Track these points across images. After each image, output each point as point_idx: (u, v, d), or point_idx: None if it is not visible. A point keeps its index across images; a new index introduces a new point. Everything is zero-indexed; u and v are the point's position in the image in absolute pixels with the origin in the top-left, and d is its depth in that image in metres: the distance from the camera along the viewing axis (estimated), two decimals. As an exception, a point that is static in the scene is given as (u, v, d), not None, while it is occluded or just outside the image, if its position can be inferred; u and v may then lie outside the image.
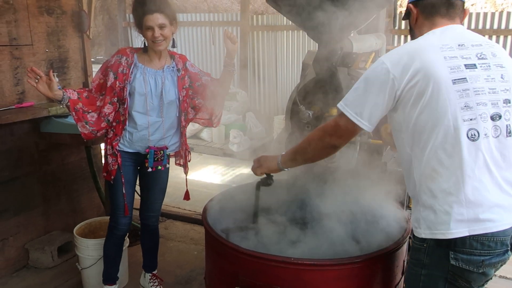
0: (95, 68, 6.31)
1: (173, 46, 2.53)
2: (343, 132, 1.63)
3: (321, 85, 2.43)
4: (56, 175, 3.50)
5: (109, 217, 3.18)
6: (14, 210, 3.19)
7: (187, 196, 3.08)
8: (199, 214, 3.76)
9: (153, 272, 3.02)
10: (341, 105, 1.61)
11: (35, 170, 3.33)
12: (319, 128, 1.74)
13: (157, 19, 2.34)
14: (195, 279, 3.12)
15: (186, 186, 3.06)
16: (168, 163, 2.77)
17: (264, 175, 2.04)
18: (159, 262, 3.36)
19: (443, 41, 1.51)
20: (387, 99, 1.50)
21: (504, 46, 5.26)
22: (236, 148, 6.24)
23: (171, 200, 4.68)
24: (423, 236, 1.52)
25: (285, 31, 6.72)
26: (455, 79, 1.44)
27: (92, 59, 6.49)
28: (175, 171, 5.66)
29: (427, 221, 1.50)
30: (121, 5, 8.00)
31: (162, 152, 2.63)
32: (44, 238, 3.37)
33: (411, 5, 1.64)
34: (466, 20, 5.30)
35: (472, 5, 6.28)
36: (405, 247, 1.97)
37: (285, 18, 6.67)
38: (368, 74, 1.57)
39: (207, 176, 5.58)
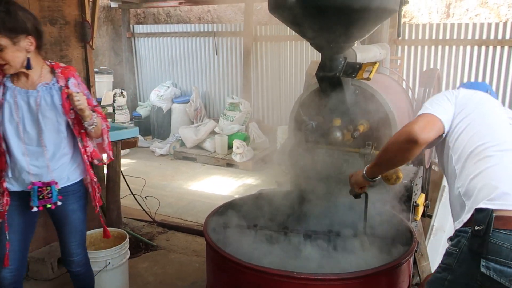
0: (98, 78, 6.34)
1: (28, 67, 2.07)
2: (425, 123, 1.64)
3: (325, 95, 2.40)
4: (57, 185, 3.47)
5: (111, 228, 3.16)
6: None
7: (106, 235, 2.60)
8: (201, 225, 3.72)
9: None
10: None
11: (36, 180, 3.30)
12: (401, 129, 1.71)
13: None
14: (196, 292, 3.08)
15: (103, 222, 2.58)
16: (64, 199, 2.25)
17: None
18: (160, 274, 3.33)
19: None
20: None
21: (509, 57, 5.22)
22: (239, 158, 6.21)
23: (173, 211, 4.66)
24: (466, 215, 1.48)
25: (288, 42, 6.71)
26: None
27: (95, 70, 6.52)
28: (177, 182, 5.69)
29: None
30: (125, 16, 8.03)
31: (49, 188, 2.17)
32: (44, 249, 3.33)
33: None
34: (470, 31, 5.31)
35: (476, 15, 6.27)
36: (411, 261, 1.93)
37: (288, 28, 6.67)
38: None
39: (210, 186, 5.54)
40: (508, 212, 1.39)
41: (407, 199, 2.43)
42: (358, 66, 2.18)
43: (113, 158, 2.57)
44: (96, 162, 2.35)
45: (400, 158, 1.70)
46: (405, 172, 2.17)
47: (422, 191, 2.83)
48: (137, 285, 3.16)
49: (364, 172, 1.89)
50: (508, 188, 1.44)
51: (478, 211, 1.43)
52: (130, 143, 3.39)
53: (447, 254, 1.53)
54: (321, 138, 2.44)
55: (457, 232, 1.51)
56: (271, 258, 2.05)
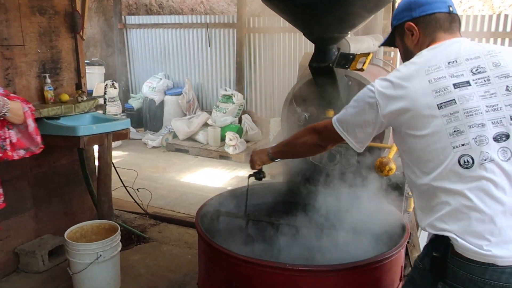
0: (90, 70, 6.28)
1: None
2: (330, 138, 1.66)
3: (318, 86, 2.39)
4: (48, 177, 3.44)
5: (102, 221, 3.14)
6: (4, 214, 3.11)
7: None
8: (193, 217, 3.71)
9: None
10: (333, 121, 1.61)
11: (26, 172, 3.27)
12: (310, 126, 1.80)
13: None
14: (189, 284, 3.06)
15: None
16: None
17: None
18: (152, 266, 3.31)
19: (430, 62, 1.40)
20: (371, 121, 1.48)
21: (501, 49, 5.23)
22: (232, 150, 6.19)
23: (165, 203, 4.64)
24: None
25: (281, 33, 6.67)
26: (441, 103, 1.33)
27: (87, 61, 6.44)
28: (169, 174, 5.66)
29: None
30: (116, 7, 7.94)
31: None
32: (35, 242, 3.30)
33: (412, 24, 1.51)
34: (463, 23, 5.30)
35: (469, 7, 6.26)
36: (403, 252, 1.93)
37: (282, 20, 6.64)
38: (358, 95, 1.54)
39: (202, 178, 5.53)
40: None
41: (399, 190, 2.43)
42: (351, 56, 2.16)
43: (43, 146, 2.51)
44: (22, 153, 2.26)
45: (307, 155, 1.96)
46: (397, 163, 2.16)
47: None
48: (129, 277, 3.14)
49: (270, 153, 2.00)
50: None
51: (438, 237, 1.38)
52: (121, 135, 3.36)
53: (414, 267, 1.50)
54: (314, 129, 2.42)
55: (426, 246, 1.46)
56: (264, 250, 2.04)
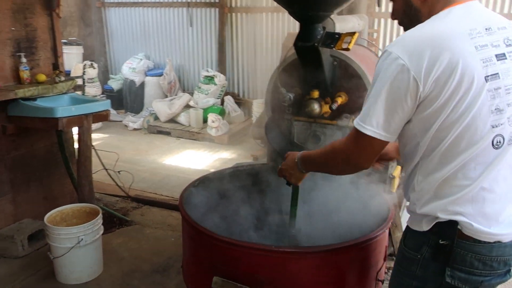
0: (67, 50, 6.09)
1: None
2: (370, 153, 1.34)
3: (302, 66, 2.35)
4: (26, 160, 3.34)
5: (83, 204, 3.08)
6: (-19, 198, 3.04)
7: None
8: (176, 199, 3.67)
9: None
10: (357, 123, 1.30)
11: (2, 155, 3.17)
12: (339, 149, 1.41)
13: None
14: (172, 266, 3.04)
15: None
16: None
17: None
18: (135, 249, 3.28)
19: (470, 25, 1.21)
20: (409, 105, 1.22)
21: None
22: (215, 132, 6.14)
23: (148, 185, 4.58)
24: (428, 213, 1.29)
25: (264, 13, 6.57)
26: (488, 75, 1.18)
27: (64, 41, 6.24)
28: (151, 156, 5.59)
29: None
30: (94, -16, 7.71)
31: None
32: (14, 226, 3.22)
33: None
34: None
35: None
36: (387, 233, 1.94)
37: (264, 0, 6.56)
38: (381, 77, 1.23)
39: (185, 161, 5.47)
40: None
41: (383, 171, 2.43)
42: (337, 36, 2.13)
43: None
44: None
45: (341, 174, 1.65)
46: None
47: (398, 164, 2.84)
48: (111, 261, 3.10)
49: (299, 161, 1.65)
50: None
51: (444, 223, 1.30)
52: (101, 117, 3.27)
53: (407, 259, 1.38)
54: (298, 110, 2.40)
55: (415, 235, 1.36)
56: (248, 232, 2.03)
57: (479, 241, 1.27)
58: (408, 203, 1.43)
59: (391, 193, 2.57)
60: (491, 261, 1.29)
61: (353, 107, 2.35)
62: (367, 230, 1.96)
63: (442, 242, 1.29)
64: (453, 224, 1.27)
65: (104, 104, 3.33)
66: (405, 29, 1.37)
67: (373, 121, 1.25)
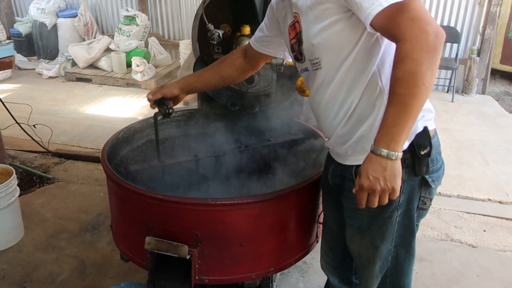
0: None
1: None
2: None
3: (231, 0, 2.13)
4: None
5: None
6: None
7: None
8: (102, 152, 3.41)
9: None
10: None
11: None
12: (416, 45, 1.06)
13: None
14: (102, 224, 2.84)
15: None
16: None
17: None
18: (59, 208, 3.03)
19: None
20: None
21: None
22: (140, 77, 5.76)
23: (70, 138, 4.24)
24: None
25: None
26: None
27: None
28: (71, 106, 5.15)
29: None
30: None
31: None
32: None
33: None
34: None
35: None
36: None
37: None
38: None
39: (109, 109, 5.11)
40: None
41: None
42: (267, -37, 1.91)
43: None
44: None
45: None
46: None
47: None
48: (33, 223, 2.84)
49: (393, 152, 1.12)
50: None
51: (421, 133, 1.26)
52: (3, 64, 2.86)
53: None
54: (228, 49, 2.20)
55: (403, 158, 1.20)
56: (180, 184, 1.87)
57: (434, 135, 1.34)
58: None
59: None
60: (439, 146, 1.37)
61: (287, 44, 2.19)
62: (305, 169, 1.89)
63: (424, 152, 1.26)
64: (425, 129, 1.27)
65: (6, 50, 2.91)
66: None
67: None
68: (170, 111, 1.75)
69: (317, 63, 1.34)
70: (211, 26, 2.08)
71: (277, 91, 2.22)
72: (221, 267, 1.59)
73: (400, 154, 1.13)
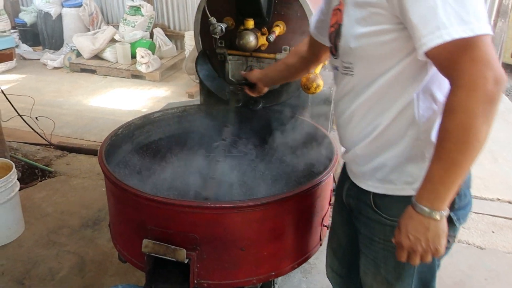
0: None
1: None
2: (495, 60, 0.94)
3: (235, -8, 2.06)
4: None
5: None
6: None
7: None
8: (104, 146, 3.36)
9: None
10: (469, 29, 0.92)
11: None
12: (470, 92, 0.92)
13: None
14: (104, 219, 2.81)
15: None
16: None
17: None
18: (61, 203, 3.00)
19: None
20: None
21: None
22: (145, 68, 5.70)
23: (73, 131, 4.20)
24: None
25: None
26: None
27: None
28: (75, 98, 5.11)
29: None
30: None
31: None
32: None
33: None
34: None
35: None
36: (332, 176, 1.81)
37: None
38: None
39: (113, 101, 5.06)
40: None
41: (327, 108, 2.28)
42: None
43: None
44: None
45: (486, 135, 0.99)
46: (324, 79, 1.97)
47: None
48: (34, 218, 2.82)
49: (436, 211, 1.02)
50: None
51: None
52: (4, 56, 2.81)
53: (387, 225, 1.23)
54: (231, 43, 2.14)
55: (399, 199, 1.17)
56: (183, 183, 1.82)
57: None
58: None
59: (333, 130, 2.45)
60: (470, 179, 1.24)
61: (292, 39, 2.11)
62: (310, 172, 1.84)
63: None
64: None
65: (7, 41, 2.86)
66: None
67: (479, 15, 0.94)
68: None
69: (349, 67, 1.18)
70: (213, 20, 2.01)
71: (282, 88, 2.16)
72: (221, 271, 1.54)
73: (446, 213, 1.01)
